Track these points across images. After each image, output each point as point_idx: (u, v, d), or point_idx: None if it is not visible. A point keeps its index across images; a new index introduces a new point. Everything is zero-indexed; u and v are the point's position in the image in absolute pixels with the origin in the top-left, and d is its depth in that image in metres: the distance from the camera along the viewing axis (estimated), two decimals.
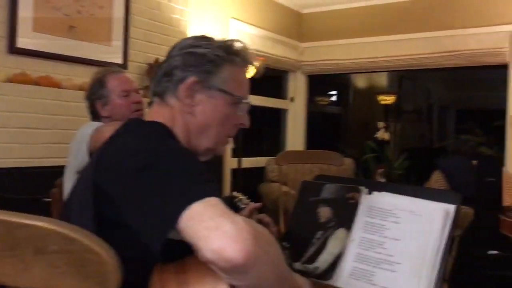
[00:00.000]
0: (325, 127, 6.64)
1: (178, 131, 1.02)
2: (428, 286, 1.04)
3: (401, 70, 5.15)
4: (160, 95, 1.06)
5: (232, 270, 0.72)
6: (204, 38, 1.09)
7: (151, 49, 3.31)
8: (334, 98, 7.18)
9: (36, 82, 2.66)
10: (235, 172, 3.90)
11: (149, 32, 3.33)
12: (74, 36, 2.86)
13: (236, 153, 3.86)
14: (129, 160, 0.87)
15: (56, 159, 2.61)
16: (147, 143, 0.91)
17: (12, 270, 0.68)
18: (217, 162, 3.74)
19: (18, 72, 2.60)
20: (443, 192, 1.31)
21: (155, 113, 1.06)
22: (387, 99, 5.81)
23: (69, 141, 1.86)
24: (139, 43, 3.26)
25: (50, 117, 2.72)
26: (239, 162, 3.78)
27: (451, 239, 1.08)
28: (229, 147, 3.95)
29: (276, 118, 5.05)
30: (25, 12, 2.62)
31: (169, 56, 1.07)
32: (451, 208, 1.10)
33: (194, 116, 1.04)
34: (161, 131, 0.99)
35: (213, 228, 0.72)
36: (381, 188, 1.21)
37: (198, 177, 0.83)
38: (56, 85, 2.75)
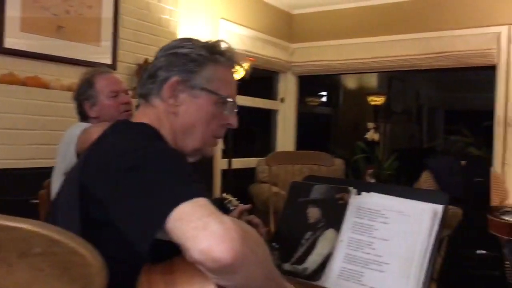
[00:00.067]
0: (315, 127, 6.65)
1: (165, 132, 1.02)
2: (416, 286, 1.05)
3: (391, 71, 5.17)
4: (145, 97, 1.07)
5: (220, 270, 0.71)
6: (188, 39, 1.09)
7: (140, 50, 3.29)
8: (324, 99, 7.20)
9: (24, 83, 2.64)
10: (225, 173, 3.89)
11: (138, 33, 3.31)
12: (63, 36, 2.83)
13: (226, 154, 3.85)
14: (117, 161, 0.87)
15: (44, 160, 2.59)
16: (135, 144, 0.91)
17: None
18: (207, 163, 3.73)
19: (6, 72, 2.58)
20: (431, 193, 1.32)
21: (141, 115, 1.06)
22: (377, 100, 5.83)
23: (58, 142, 1.85)
24: (128, 43, 3.24)
25: (38, 118, 2.70)
26: (229, 163, 3.77)
27: (439, 239, 1.09)
28: (219, 148, 3.94)
29: (266, 119, 5.05)
30: (12, 12, 2.59)
31: (155, 58, 1.08)
32: (439, 208, 1.10)
33: (178, 116, 1.04)
34: (149, 132, 0.99)
35: (201, 228, 0.72)
36: (369, 188, 1.22)
37: (186, 177, 0.83)
38: (44, 85, 2.72)
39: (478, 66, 4.14)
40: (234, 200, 1.57)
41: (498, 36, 3.96)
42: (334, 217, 1.20)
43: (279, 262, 1.20)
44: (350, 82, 6.98)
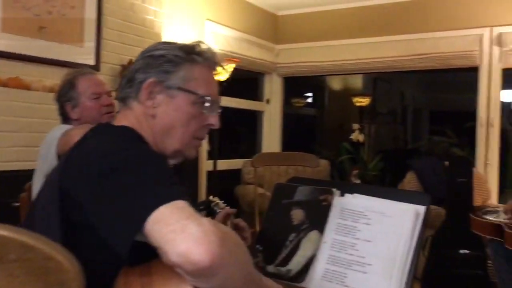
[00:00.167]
0: (301, 129, 6.68)
1: (145, 134, 1.01)
2: (398, 287, 1.05)
3: (376, 72, 5.21)
4: (123, 100, 1.06)
5: (198, 273, 0.71)
6: (166, 42, 1.09)
7: (124, 51, 3.27)
8: (309, 100, 7.22)
9: (5, 84, 2.60)
10: (211, 174, 3.88)
11: (122, 33, 3.28)
12: (45, 36, 2.80)
13: (212, 155, 3.84)
14: (98, 163, 0.86)
15: (26, 163, 2.54)
16: (116, 147, 0.91)
17: None
18: (192, 164, 3.71)
19: None
20: (414, 194, 1.33)
21: (121, 119, 1.06)
22: (362, 101, 5.87)
23: (39, 144, 1.82)
24: (112, 44, 3.21)
25: (20, 119, 2.66)
26: (215, 164, 3.76)
27: (421, 240, 1.09)
28: (204, 150, 3.92)
29: (252, 120, 5.04)
30: None
31: (133, 63, 1.08)
32: (421, 209, 1.11)
33: (157, 118, 1.03)
34: (130, 134, 0.98)
35: (179, 231, 0.71)
36: (353, 190, 1.22)
37: (165, 180, 0.82)
38: (26, 87, 2.69)
39: (461, 67, 4.19)
40: (220, 203, 1.57)
41: (480, 38, 4.01)
42: (318, 218, 1.20)
43: (263, 264, 1.20)
44: (336, 83, 7.02)
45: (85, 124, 1.71)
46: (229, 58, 3.82)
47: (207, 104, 1.05)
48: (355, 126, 5.35)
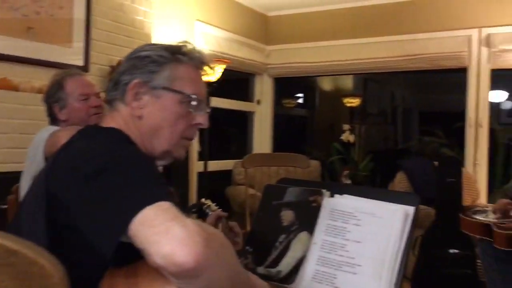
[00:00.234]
0: (291, 129, 6.68)
1: (133, 136, 1.01)
2: (388, 287, 1.05)
3: (366, 73, 5.23)
4: (110, 103, 1.06)
5: (183, 274, 0.71)
6: (151, 43, 1.09)
7: (113, 51, 3.24)
8: (300, 101, 7.23)
9: None
10: (201, 175, 3.86)
11: (111, 34, 3.26)
12: (33, 37, 2.77)
13: (202, 156, 3.83)
14: (84, 165, 0.86)
15: (14, 165, 2.52)
16: (103, 148, 0.90)
17: None
18: (183, 165, 3.70)
19: None
20: (403, 194, 1.33)
21: (109, 121, 1.05)
22: (353, 102, 5.89)
23: (27, 146, 1.81)
24: (101, 44, 3.18)
25: (7, 121, 2.63)
26: (205, 165, 3.75)
27: (411, 240, 1.10)
28: (195, 150, 3.91)
29: (242, 120, 5.04)
30: None
31: (120, 65, 1.08)
32: (411, 209, 1.11)
33: (143, 119, 1.02)
34: (118, 136, 0.98)
35: (164, 233, 0.71)
36: (342, 190, 1.22)
37: (151, 181, 0.82)
38: (14, 88, 2.66)
39: (450, 68, 4.22)
40: (213, 205, 1.56)
41: (469, 38, 4.04)
42: (308, 219, 1.20)
43: (253, 265, 1.20)
44: (326, 84, 7.03)
45: (73, 125, 1.70)
46: (219, 59, 3.81)
47: (193, 103, 1.04)
48: (346, 126, 5.37)
